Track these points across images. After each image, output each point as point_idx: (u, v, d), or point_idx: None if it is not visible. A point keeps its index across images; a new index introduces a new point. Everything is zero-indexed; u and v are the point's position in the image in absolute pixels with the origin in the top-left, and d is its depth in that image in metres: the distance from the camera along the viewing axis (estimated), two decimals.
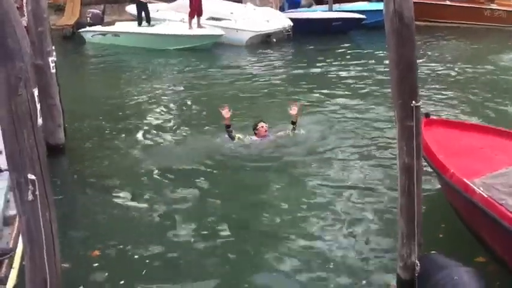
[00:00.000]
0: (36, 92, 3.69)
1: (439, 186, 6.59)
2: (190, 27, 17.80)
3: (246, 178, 7.76)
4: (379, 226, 6.31)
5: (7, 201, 5.40)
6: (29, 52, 3.70)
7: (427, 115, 6.88)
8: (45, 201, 3.65)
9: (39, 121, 3.70)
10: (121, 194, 7.33)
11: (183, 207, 6.92)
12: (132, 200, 7.16)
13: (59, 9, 21.11)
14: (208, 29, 17.94)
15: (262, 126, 8.62)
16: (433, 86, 12.37)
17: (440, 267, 4.66)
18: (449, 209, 6.12)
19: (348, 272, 5.47)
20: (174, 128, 10.00)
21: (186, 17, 17.85)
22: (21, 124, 3.55)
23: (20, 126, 3.54)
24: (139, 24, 18.52)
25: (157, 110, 11.28)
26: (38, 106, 3.69)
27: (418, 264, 4.72)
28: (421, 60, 14.01)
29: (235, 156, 8.32)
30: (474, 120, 8.53)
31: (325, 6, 21.78)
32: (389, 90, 4.97)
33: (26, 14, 8.45)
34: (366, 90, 12.41)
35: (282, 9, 22.01)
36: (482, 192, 5.14)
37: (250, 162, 8.15)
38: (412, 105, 4.54)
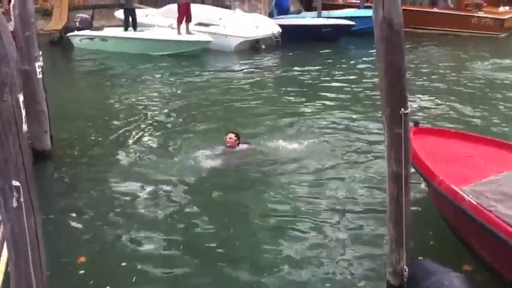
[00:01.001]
0: (21, 97, 3.66)
1: (428, 193, 6.60)
2: (179, 32, 17.78)
3: (232, 190, 7.62)
4: (368, 233, 6.30)
5: None
6: (15, 57, 3.67)
7: (416, 123, 6.91)
8: (30, 208, 3.60)
9: (24, 127, 3.65)
10: (107, 200, 7.26)
11: (170, 214, 6.86)
12: (119, 206, 7.10)
13: (47, 14, 20.99)
14: (197, 35, 17.93)
15: (230, 138, 8.61)
16: (421, 94, 12.42)
17: (430, 272, 4.67)
18: (438, 216, 6.13)
19: (338, 278, 5.44)
20: (160, 134, 9.94)
21: (175, 23, 17.82)
22: (6, 130, 3.49)
23: (5, 132, 3.49)
24: (126, 29, 18.47)
25: (144, 116, 11.20)
26: (23, 112, 3.65)
27: (407, 270, 4.73)
28: (409, 68, 14.08)
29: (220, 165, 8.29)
30: (462, 129, 8.56)
31: (315, 13, 21.90)
32: (378, 97, 4.96)
33: (13, 19, 8.35)
34: (355, 97, 12.45)
35: (271, 15, 22.08)
36: (471, 200, 5.15)
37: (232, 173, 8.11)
38: (400, 112, 4.54)
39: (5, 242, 4.01)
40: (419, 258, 5.01)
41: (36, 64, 8.23)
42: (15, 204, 3.50)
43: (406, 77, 4.66)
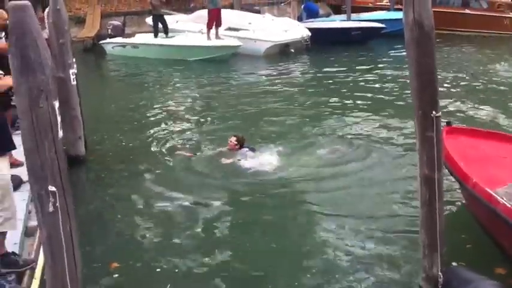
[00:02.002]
0: (57, 104, 3.70)
1: (461, 195, 6.51)
2: (209, 38, 17.90)
3: (263, 197, 7.57)
4: (399, 238, 6.23)
5: (28, 212, 5.44)
6: (50, 64, 3.73)
7: (448, 123, 6.82)
8: (66, 213, 3.66)
9: (60, 133, 3.72)
10: (141, 206, 7.33)
11: (204, 220, 6.86)
12: (153, 211, 7.17)
13: (80, 22, 21.40)
14: (227, 40, 18.02)
15: (231, 141, 8.66)
16: (453, 95, 12.27)
17: (466, 280, 4.60)
18: (471, 219, 6.04)
19: (370, 283, 5.41)
20: (192, 139, 10.02)
21: (205, 28, 17.95)
22: (42, 136, 3.56)
23: (41, 138, 3.55)
24: (156, 35, 18.70)
25: (176, 121, 11.33)
26: (59, 118, 3.71)
27: (442, 276, 4.67)
28: (440, 70, 13.92)
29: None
30: (495, 129, 8.41)
31: (344, 16, 21.78)
32: (409, 100, 4.93)
33: (47, 27, 8.52)
34: (386, 101, 12.35)
35: (300, 19, 22.05)
36: (505, 202, 5.06)
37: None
38: (432, 115, 4.50)
39: (42, 246, 4.11)
40: (452, 263, 4.95)
41: (71, 71, 8.39)
42: (51, 209, 3.56)
43: (437, 80, 4.61)
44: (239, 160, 8.42)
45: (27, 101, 3.54)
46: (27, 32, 3.51)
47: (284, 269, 5.77)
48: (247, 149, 8.66)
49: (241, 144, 8.66)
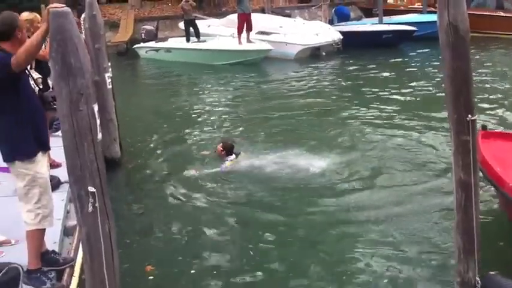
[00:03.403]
0: (96, 107, 3.80)
1: (497, 200, 6.42)
2: (240, 42, 18.01)
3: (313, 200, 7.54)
4: (433, 243, 6.18)
5: (67, 212, 5.58)
6: (90, 69, 3.83)
7: (483, 127, 6.74)
8: (105, 213, 3.74)
9: (99, 136, 3.81)
10: (176, 209, 7.41)
11: (242, 225, 6.89)
12: (188, 214, 7.23)
13: (114, 26, 21.76)
14: (257, 43, 18.11)
15: (218, 148, 8.77)
16: (488, 99, 12.10)
17: None
18: (508, 224, 5.96)
19: (402, 284, 5.39)
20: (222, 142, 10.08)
21: (236, 32, 18.06)
22: (82, 138, 3.65)
23: (81, 141, 3.64)
24: (188, 40, 18.89)
25: (208, 124, 11.44)
26: (98, 121, 3.80)
27: (479, 282, 4.61)
28: (475, 73, 13.72)
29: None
30: None
31: (375, 19, 21.65)
32: (442, 103, 4.89)
33: (83, 31, 8.70)
34: (419, 105, 12.24)
35: (331, 22, 22.03)
36: None
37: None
38: (467, 119, 4.46)
39: (80, 245, 4.21)
40: (488, 270, 4.87)
41: (106, 75, 8.56)
42: (90, 209, 3.65)
43: (472, 83, 4.57)
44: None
45: (68, 104, 3.63)
46: (67, 38, 3.59)
47: (317, 267, 5.79)
48: (233, 156, 8.65)
49: (227, 151, 8.69)
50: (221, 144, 8.89)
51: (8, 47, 4.15)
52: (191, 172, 8.46)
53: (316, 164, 8.43)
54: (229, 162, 8.52)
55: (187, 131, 10.89)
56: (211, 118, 11.98)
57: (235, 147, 8.90)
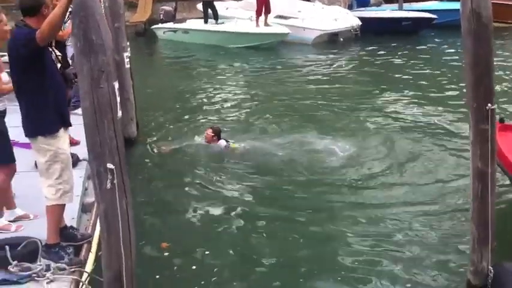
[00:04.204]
0: (116, 85, 3.83)
1: None
2: (258, 25, 17.93)
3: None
4: (446, 232, 6.19)
5: (85, 189, 5.65)
6: (111, 46, 3.85)
7: (501, 120, 6.69)
8: (123, 190, 3.78)
9: (119, 113, 3.85)
10: (191, 188, 7.48)
11: (258, 211, 6.90)
12: (202, 195, 7.30)
13: (132, 6, 21.71)
14: (275, 27, 18.00)
15: (207, 133, 8.69)
16: (507, 91, 11.95)
17: None
18: None
19: (416, 274, 5.41)
20: (236, 125, 10.13)
21: (254, 15, 17.97)
22: (102, 116, 3.68)
23: (101, 118, 3.67)
24: (206, 22, 18.85)
25: (224, 106, 11.47)
26: (118, 99, 3.83)
27: (492, 271, 4.61)
28: (494, 63, 13.55)
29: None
30: None
31: (395, 5, 21.36)
32: (460, 92, 4.87)
33: (103, 10, 8.70)
34: (437, 94, 12.11)
35: (350, 7, 21.78)
36: None
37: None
38: (487, 108, 4.44)
39: (98, 221, 4.27)
40: (503, 260, 4.87)
41: (125, 54, 8.60)
42: (109, 185, 3.69)
43: (493, 72, 4.54)
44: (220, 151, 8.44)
45: (89, 81, 3.66)
46: (90, 14, 3.61)
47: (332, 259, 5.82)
48: (225, 141, 8.61)
49: (218, 135, 8.65)
50: (210, 129, 8.75)
51: (34, 22, 4.20)
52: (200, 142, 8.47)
53: (331, 150, 8.46)
54: (233, 144, 8.52)
55: (201, 112, 10.93)
56: (227, 100, 12.00)
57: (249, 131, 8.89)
